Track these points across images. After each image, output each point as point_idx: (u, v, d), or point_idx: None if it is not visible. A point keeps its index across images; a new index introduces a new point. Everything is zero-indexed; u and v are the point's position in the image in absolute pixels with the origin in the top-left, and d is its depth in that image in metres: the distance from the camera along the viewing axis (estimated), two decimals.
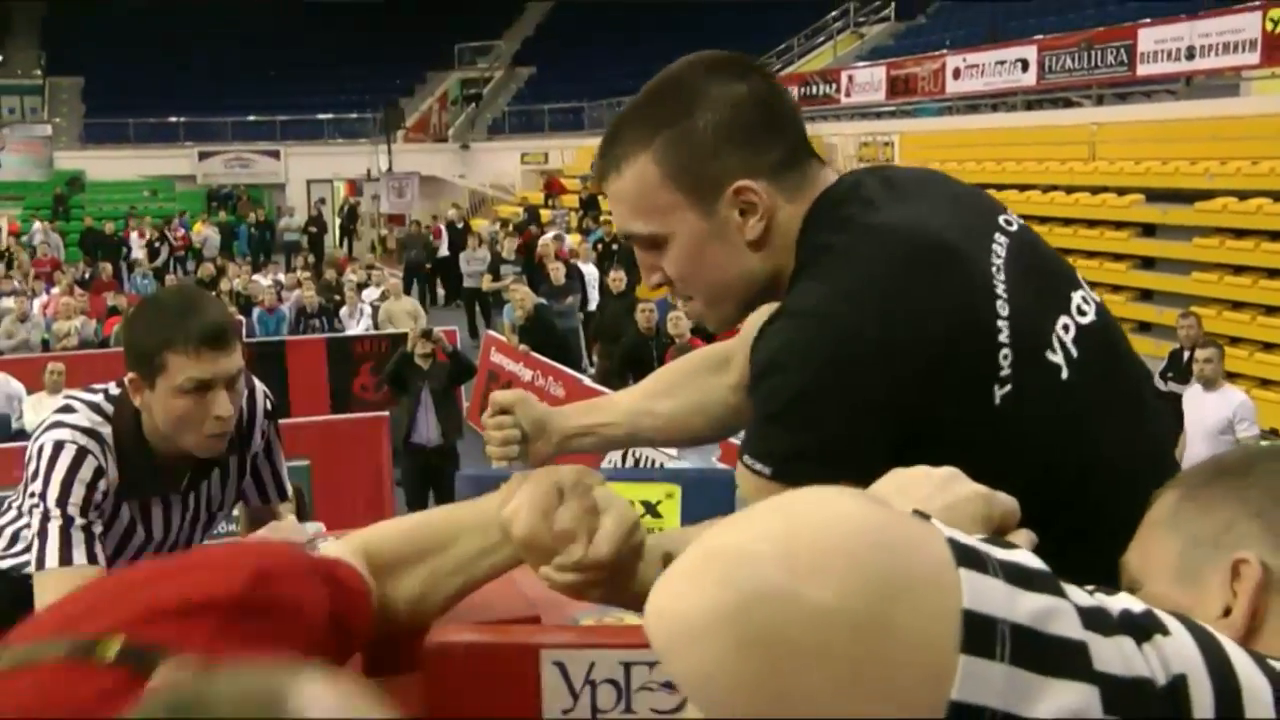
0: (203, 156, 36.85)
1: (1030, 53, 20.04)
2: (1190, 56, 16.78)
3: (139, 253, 28.38)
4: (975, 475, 1.33)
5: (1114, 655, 0.79)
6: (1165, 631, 0.83)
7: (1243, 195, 14.26)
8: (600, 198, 29.27)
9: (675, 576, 0.78)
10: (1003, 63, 20.69)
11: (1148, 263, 15.57)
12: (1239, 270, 13.84)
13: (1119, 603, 0.85)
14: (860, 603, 0.73)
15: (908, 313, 1.58)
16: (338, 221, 35.55)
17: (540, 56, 40.99)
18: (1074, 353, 1.67)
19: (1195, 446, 8.62)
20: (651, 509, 2.23)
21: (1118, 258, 15.88)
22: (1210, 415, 8.68)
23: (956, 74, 21.82)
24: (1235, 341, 11.96)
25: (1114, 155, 16.85)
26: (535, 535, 1.55)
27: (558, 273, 17.80)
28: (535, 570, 1.59)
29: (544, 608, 1.86)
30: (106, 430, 2.81)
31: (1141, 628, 0.82)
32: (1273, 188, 13.96)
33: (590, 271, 17.62)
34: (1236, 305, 13.62)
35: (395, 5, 39.97)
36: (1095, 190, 16.65)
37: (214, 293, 21.25)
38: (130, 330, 2.85)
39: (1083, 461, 1.68)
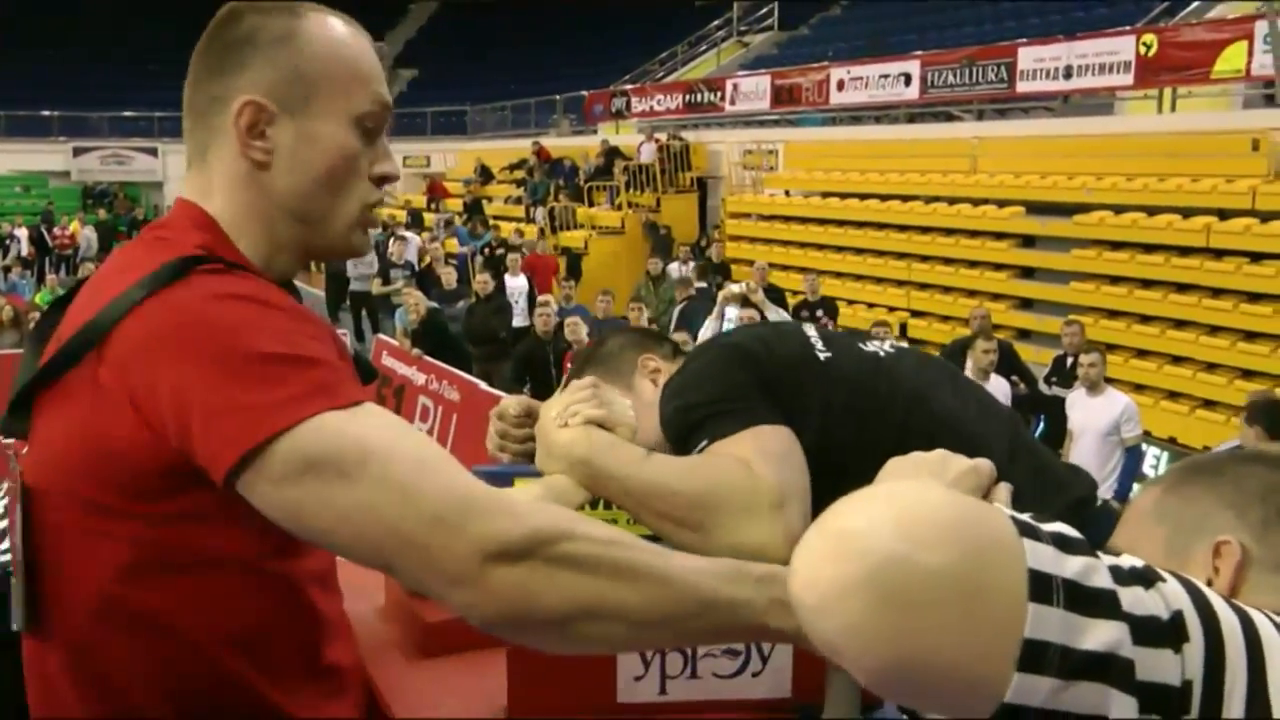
0: (78, 152, 36.06)
1: (913, 67, 20.50)
2: (1068, 76, 17.34)
3: (25, 250, 27.72)
4: (825, 418, 2.04)
5: (1134, 599, 1.00)
6: (1163, 580, 1.05)
7: (1118, 209, 14.79)
8: (484, 202, 29.46)
9: (813, 553, 0.99)
10: (886, 76, 21.10)
11: (1027, 272, 16.06)
12: (1115, 280, 14.33)
13: (1126, 561, 1.06)
14: (961, 565, 0.96)
15: (737, 334, 2.26)
16: None
17: (422, 59, 40.77)
18: (889, 350, 2.25)
19: (1084, 445, 9.04)
20: None
21: (998, 267, 16.33)
22: (1098, 417, 9.10)
23: (840, 85, 22.19)
24: (1111, 348, 12.41)
25: (995, 169, 17.29)
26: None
27: (449, 277, 17.80)
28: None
29: None
30: None
31: (1146, 578, 1.04)
32: (1147, 202, 14.50)
33: (518, 284, 17.47)
34: (1113, 314, 14.11)
35: None
36: (977, 202, 17.06)
37: None
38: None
39: (907, 403, 2.13)
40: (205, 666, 1.48)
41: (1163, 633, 1.00)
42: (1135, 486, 9.19)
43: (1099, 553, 1.06)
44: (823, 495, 1.92)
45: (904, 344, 2.38)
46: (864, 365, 2.16)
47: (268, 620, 1.52)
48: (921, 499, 1.01)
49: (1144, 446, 9.77)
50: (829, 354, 2.13)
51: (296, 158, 1.58)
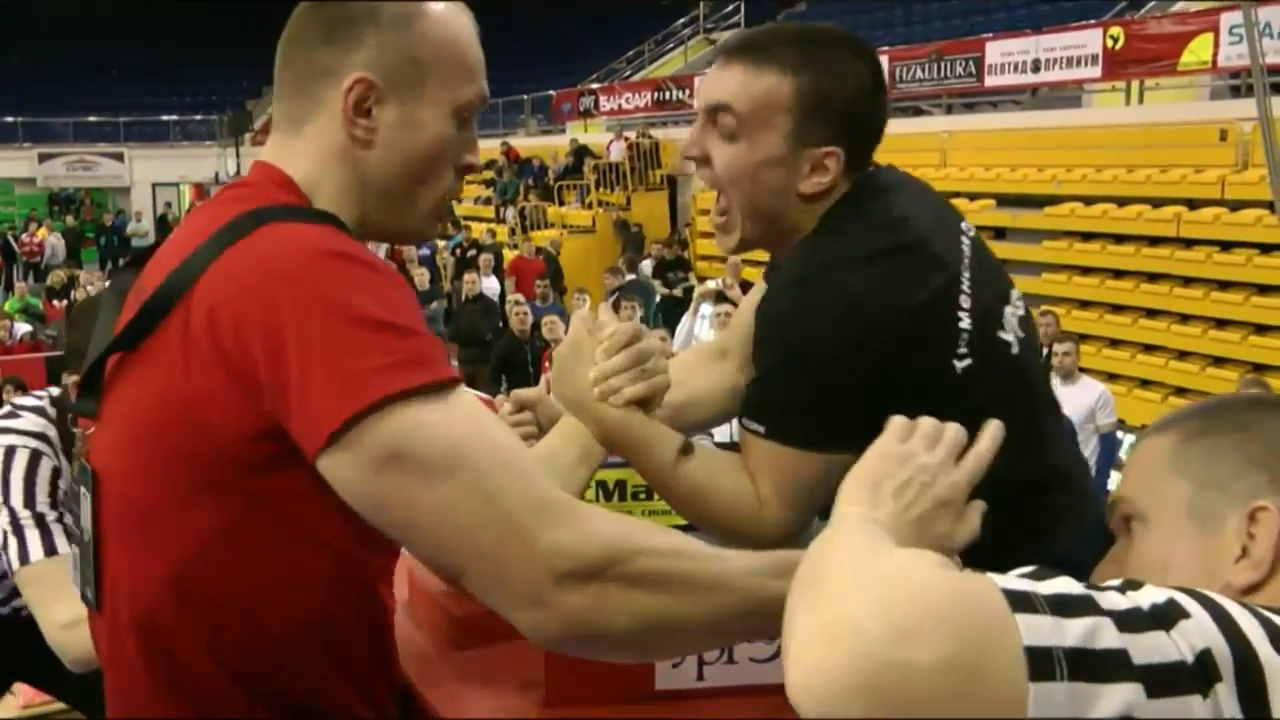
0: (43, 158, 35.74)
1: (882, 62, 20.43)
2: (1036, 69, 17.42)
3: None
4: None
5: (1150, 648, 0.98)
6: (1186, 615, 1.01)
7: (1088, 201, 14.87)
8: (454, 202, 29.18)
9: (807, 657, 1.00)
10: None
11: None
12: (1086, 271, 14.45)
13: (1147, 596, 1.03)
14: (957, 655, 0.95)
15: (887, 292, 1.85)
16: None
17: None
18: (1020, 333, 1.99)
19: None
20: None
21: None
22: (1073, 406, 9.16)
23: None
24: (1084, 339, 12.47)
25: (965, 162, 17.38)
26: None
27: (422, 278, 17.79)
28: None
29: None
30: (53, 433, 2.80)
31: (1168, 617, 1.00)
32: (1116, 194, 14.60)
33: (490, 285, 17.43)
34: (1084, 304, 14.22)
35: (243, 6, 39.33)
36: (948, 195, 16.47)
37: (65, 302, 20.76)
38: (74, 333, 2.81)
39: (1032, 417, 2.00)
40: (275, 651, 1.47)
41: (1186, 678, 0.98)
42: (1113, 474, 9.27)
43: (1115, 583, 1.05)
44: None
45: (1022, 304, 2.07)
46: (1003, 373, 1.94)
47: (338, 610, 1.50)
48: (912, 582, 1.02)
49: (1119, 434, 9.86)
50: (969, 362, 1.88)
51: (396, 140, 1.56)
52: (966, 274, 1.93)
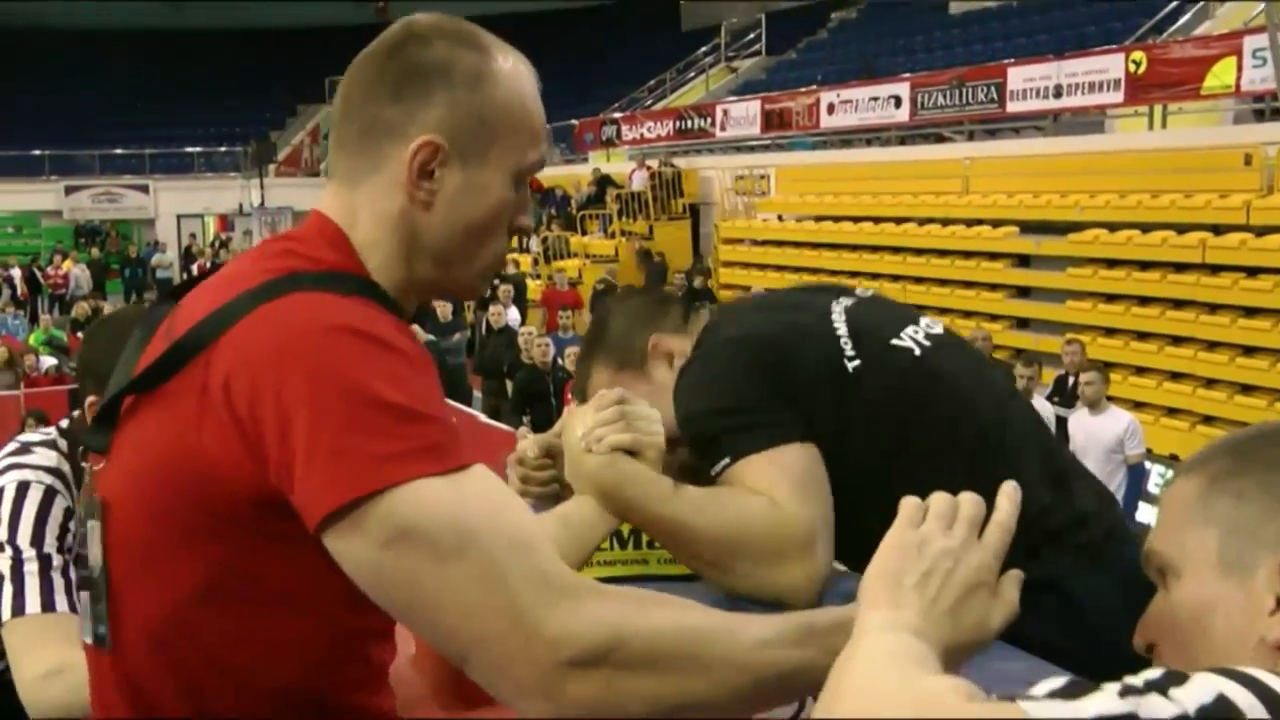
0: (69, 191, 35.99)
1: (903, 89, 20.53)
2: (1058, 95, 17.39)
3: (20, 290, 27.67)
4: (855, 432, 2.03)
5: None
6: (1184, 679, 0.97)
7: (1113, 227, 14.81)
8: None
9: None
10: (876, 99, 21.15)
11: (1023, 292, 16.09)
12: (1111, 298, 14.36)
13: (1194, 696, 0.96)
14: None
15: (755, 325, 2.15)
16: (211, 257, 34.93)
17: None
18: (925, 343, 2.15)
19: (1087, 465, 9.00)
20: None
21: (994, 288, 16.37)
22: (1103, 435, 9.10)
23: (831, 109, 22.24)
24: (1109, 366, 12.40)
25: (987, 189, 17.32)
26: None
27: (444, 309, 17.78)
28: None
29: None
30: (66, 468, 2.66)
31: (1163, 684, 0.96)
32: (1141, 219, 14.52)
33: (511, 316, 17.38)
34: (1110, 332, 14.13)
35: (266, 37, 39.64)
36: (970, 223, 17.09)
37: None
38: (90, 351, 2.69)
39: (944, 413, 2.10)
40: (252, 703, 1.45)
41: None
42: (1141, 505, 9.18)
43: (1168, 683, 0.98)
44: (866, 507, 1.90)
45: (939, 327, 2.27)
46: (899, 367, 2.10)
47: (324, 666, 1.49)
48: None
49: (1147, 464, 9.77)
50: (858, 361, 2.07)
51: (457, 204, 1.51)
52: (840, 318, 2.14)
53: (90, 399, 2.54)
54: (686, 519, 1.91)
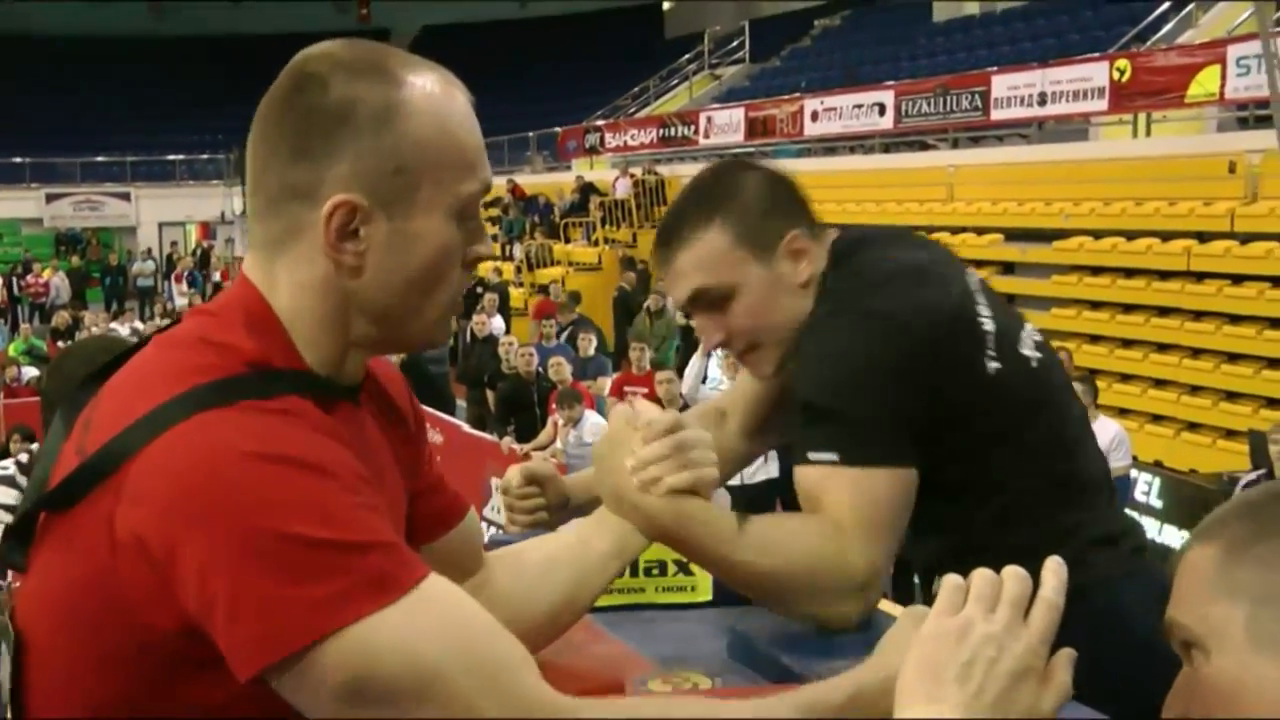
0: (50, 198, 35.88)
1: (887, 97, 20.53)
2: (1042, 103, 17.38)
3: None
4: (972, 439, 2.02)
5: None
6: None
7: (1097, 235, 14.78)
8: None
9: None
10: (860, 106, 21.13)
11: (1009, 299, 16.04)
12: (1096, 305, 14.35)
13: None
14: None
15: (916, 303, 1.99)
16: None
17: None
18: (1038, 354, 2.13)
19: None
20: (683, 566, 2.27)
21: None
22: None
23: (815, 116, 22.21)
24: (1094, 373, 12.38)
25: (971, 196, 17.31)
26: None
27: None
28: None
29: (610, 673, 1.89)
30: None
31: None
32: (1125, 227, 14.50)
33: (496, 325, 17.20)
34: (1094, 339, 14.12)
35: (248, 43, 39.49)
36: (955, 230, 17.03)
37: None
38: (54, 382, 2.62)
39: (1050, 436, 2.13)
40: None
41: None
42: (1126, 513, 9.15)
43: None
44: (964, 509, 2.09)
45: (1039, 334, 2.22)
46: (1024, 378, 2.08)
47: None
48: None
49: (1133, 474, 9.76)
50: (998, 364, 2.02)
51: (391, 259, 1.35)
52: (978, 292, 2.08)
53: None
54: (750, 562, 1.85)
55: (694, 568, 2.19)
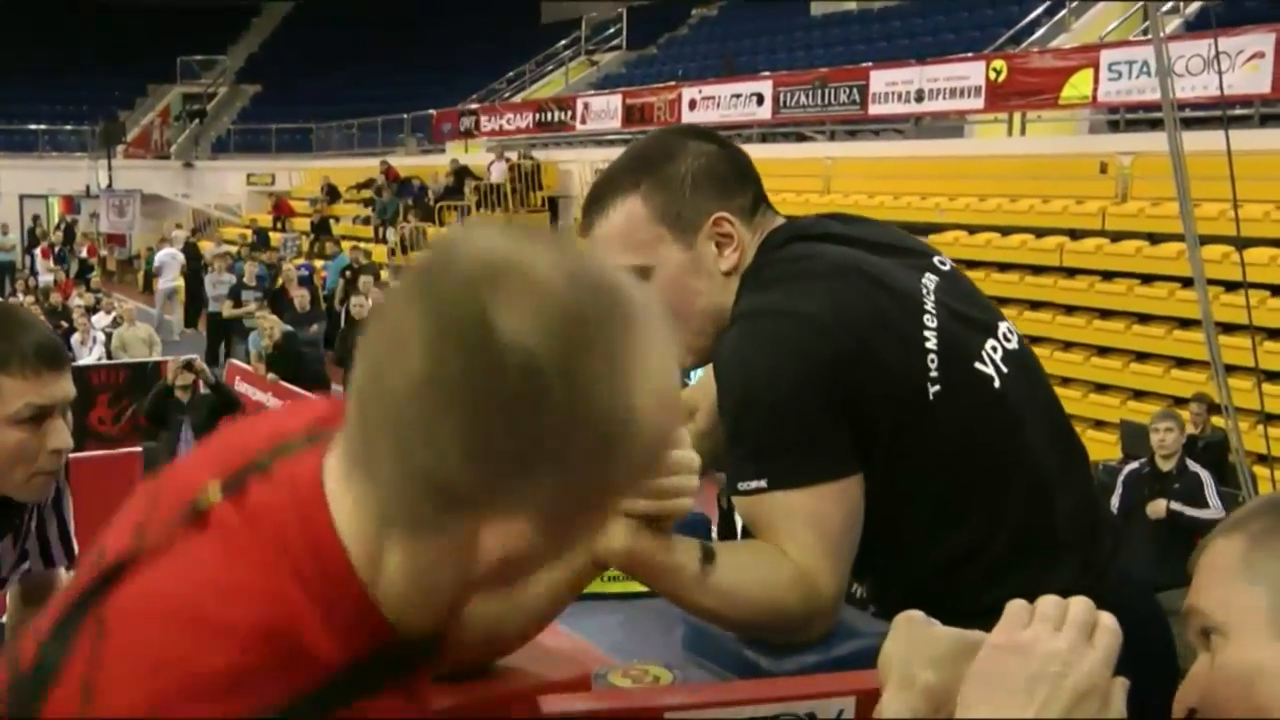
0: None
1: (766, 88, 20.66)
2: (919, 99, 17.65)
3: None
4: (913, 468, 1.82)
5: None
6: None
7: (972, 229, 15.11)
8: (331, 221, 28.94)
9: None
10: (739, 96, 21.22)
11: None
12: None
13: None
14: None
15: (840, 306, 1.82)
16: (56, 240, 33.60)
17: (266, 74, 39.90)
18: (1003, 368, 1.93)
19: None
20: None
21: None
22: None
23: (692, 105, 22.25)
24: None
25: (848, 189, 17.54)
26: None
27: (303, 299, 17.46)
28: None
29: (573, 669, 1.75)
30: None
31: None
32: (1000, 223, 14.87)
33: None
34: None
35: (117, 12, 38.39)
36: None
37: None
38: None
39: (1007, 463, 1.92)
40: None
41: None
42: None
43: None
44: (895, 525, 1.88)
45: (1015, 339, 2.02)
46: (978, 400, 1.88)
47: None
48: None
49: None
50: (939, 388, 1.83)
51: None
52: (929, 304, 1.90)
53: None
54: (715, 608, 1.77)
55: None
